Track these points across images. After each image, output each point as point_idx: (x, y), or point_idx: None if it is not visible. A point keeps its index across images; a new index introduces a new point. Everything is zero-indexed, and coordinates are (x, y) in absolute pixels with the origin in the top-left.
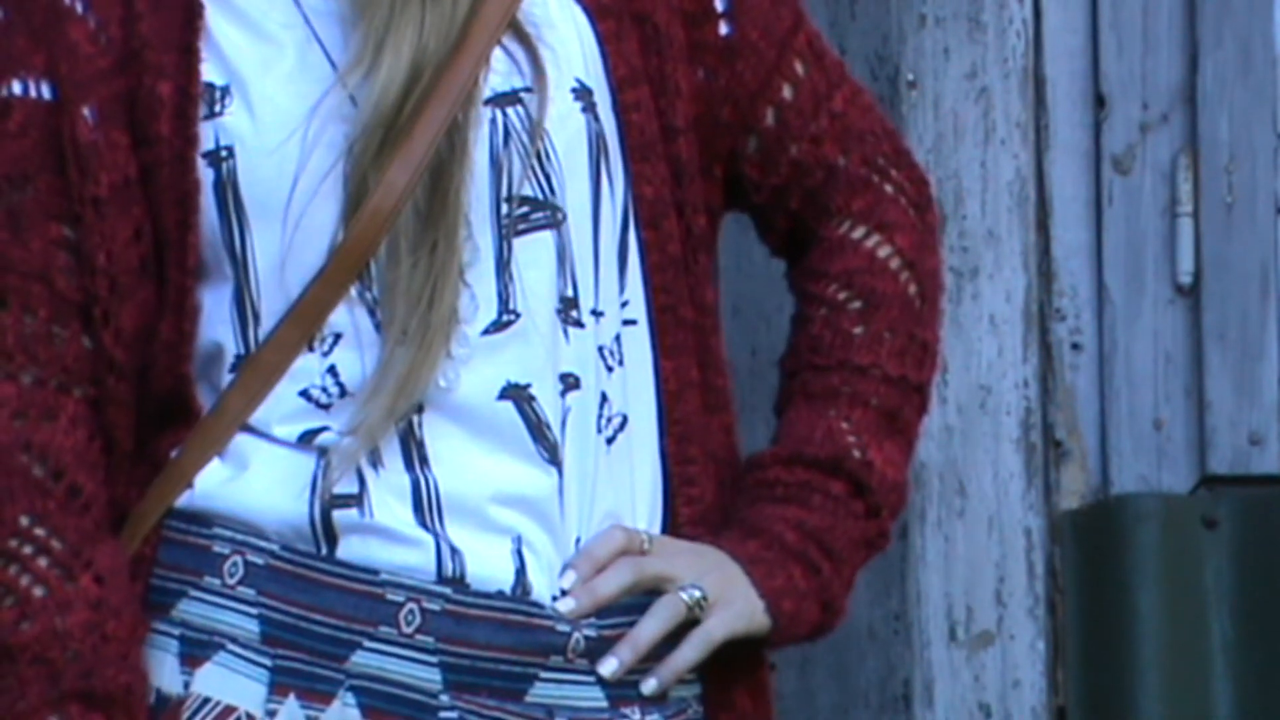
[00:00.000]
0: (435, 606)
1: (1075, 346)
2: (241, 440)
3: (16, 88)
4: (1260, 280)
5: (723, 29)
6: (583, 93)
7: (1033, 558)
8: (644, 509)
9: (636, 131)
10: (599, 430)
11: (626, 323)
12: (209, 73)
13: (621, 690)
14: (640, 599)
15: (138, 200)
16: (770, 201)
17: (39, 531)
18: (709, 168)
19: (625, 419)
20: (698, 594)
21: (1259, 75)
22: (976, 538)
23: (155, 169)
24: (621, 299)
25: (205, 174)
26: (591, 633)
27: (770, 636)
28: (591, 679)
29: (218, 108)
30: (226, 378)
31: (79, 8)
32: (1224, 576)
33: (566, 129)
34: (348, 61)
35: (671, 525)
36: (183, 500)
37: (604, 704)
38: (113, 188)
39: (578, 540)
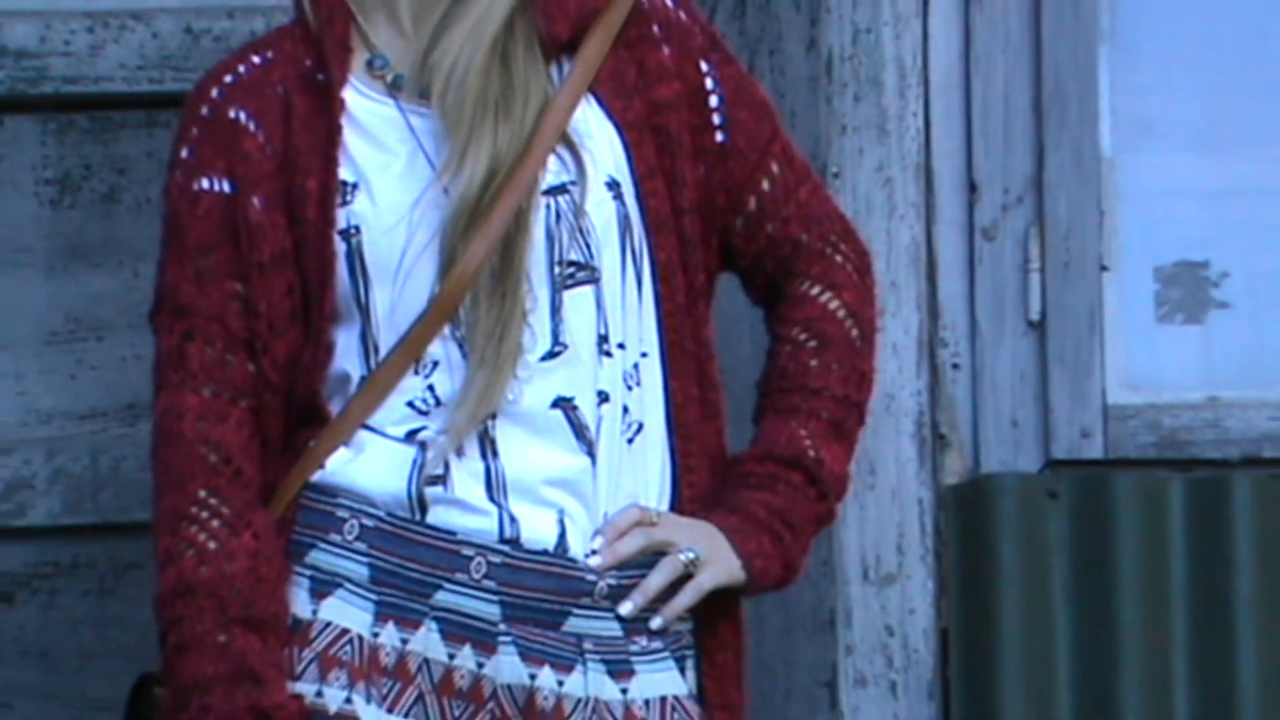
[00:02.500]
0: (497, 560)
1: (955, 366)
2: (362, 435)
3: (205, 184)
4: (1088, 319)
5: (719, 137)
6: (613, 185)
7: (924, 520)
8: (654, 492)
9: (654, 212)
10: (622, 433)
11: (644, 354)
12: (343, 173)
13: (634, 624)
14: (649, 559)
15: (291, 265)
16: (751, 265)
17: (212, 501)
18: (708, 239)
19: (641, 425)
20: (692, 555)
21: (1087, 169)
22: (883, 505)
23: (304, 242)
24: (640, 336)
25: (339, 246)
26: (613, 582)
27: (746, 587)
28: (611, 616)
29: (349, 198)
30: (353, 392)
31: (251, 126)
32: (1063, 533)
33: (601, 211)
34: (441, 165)
35: (677, 504)
36: (316, 476)
37: (620, 634)
38: (273, 255)
39: (605, 514)
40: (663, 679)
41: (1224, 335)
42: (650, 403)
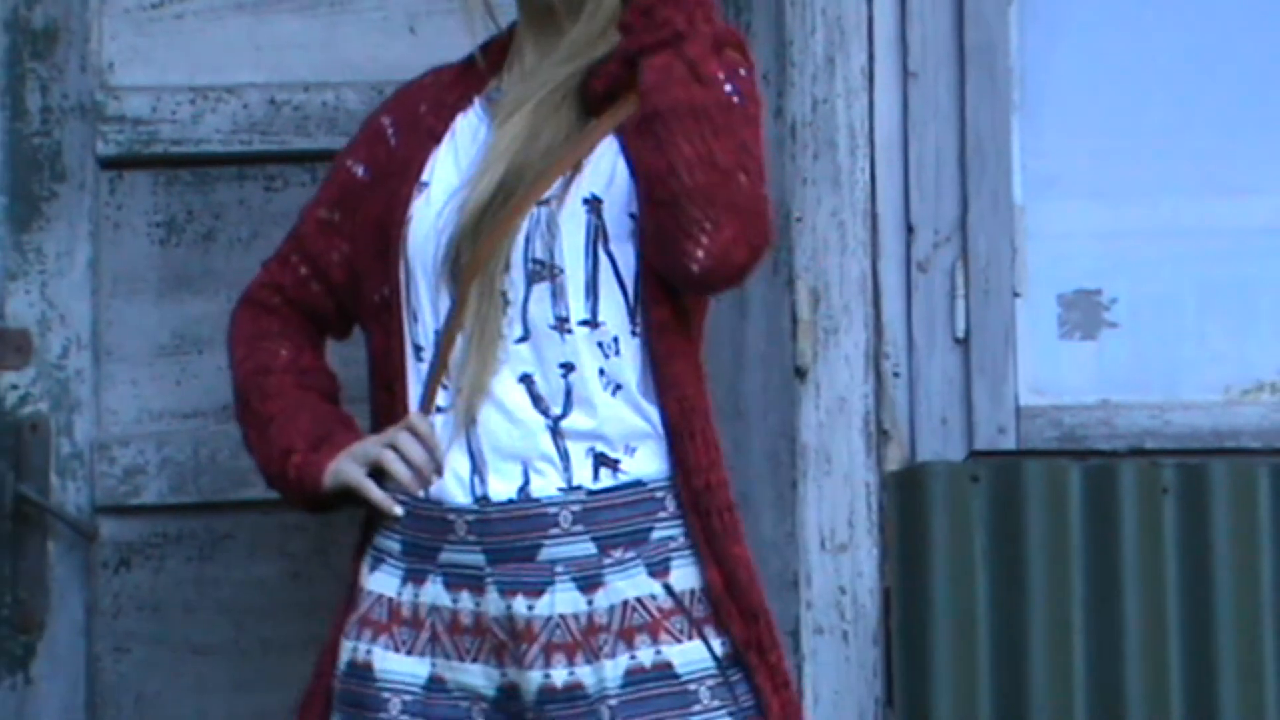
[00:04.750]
0: (472, 518)
1: (896, 374)
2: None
3: (349, 163)
4: (1003, 336)
5: None
6: (590, 200)
7: (870, 500)
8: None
9: (623, 227)
10: (604, 389)
11: (633, 334)
12: (424, 175)
13: (608, 540)
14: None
15: (374, 240)
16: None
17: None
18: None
19: (620, 385)
20: None
21: (1002, 214)
22: (837, 487)
23: (389, 227)
24: (619, 318)
25: (402, 232)
26: (576, 509)
27: None
28: (585, 538)
29: (418, 195)
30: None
31: (389, 132)
32: (983, 511)
33: (573, 221)
34: (465, 179)
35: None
36: None
37: (594, 552)
38: (363, 228)
39: (591, 450)
40: (626, 584)
41: (1113, 349)
42: (626, 367)
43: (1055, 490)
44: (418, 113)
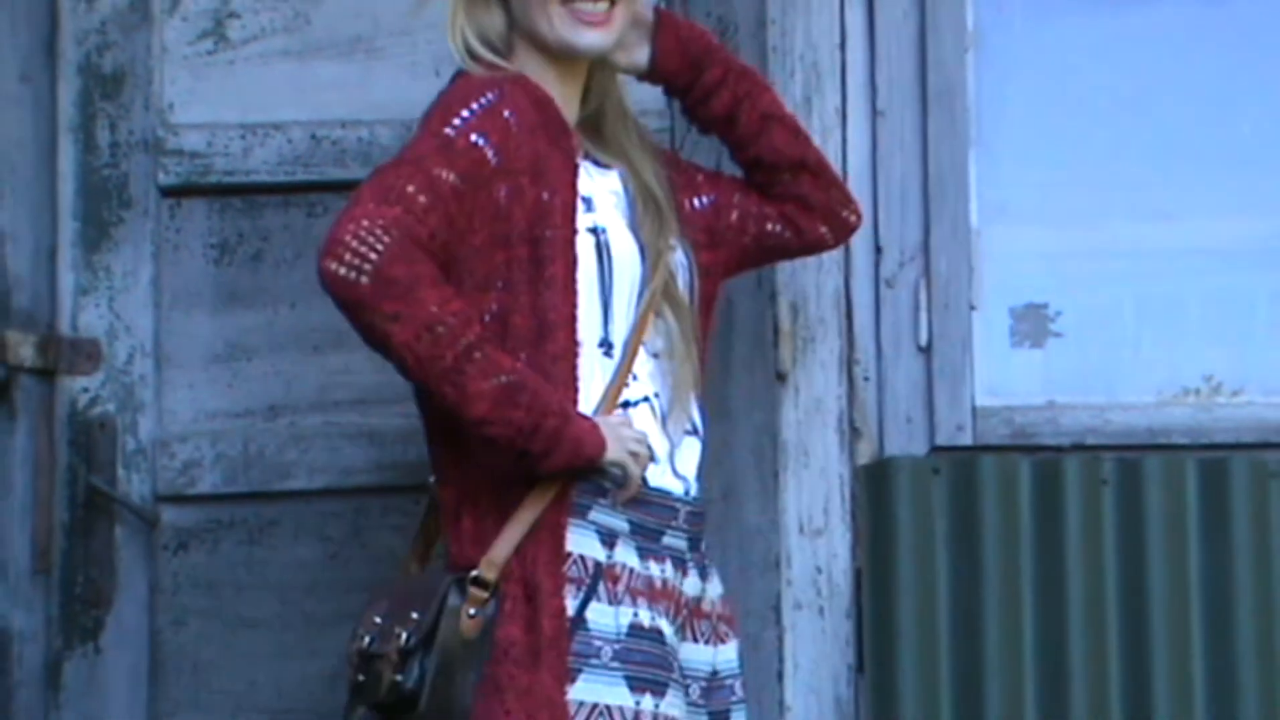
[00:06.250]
0: (688, 508)
1: (866, 379)
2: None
3: (481, 141)
4: (961, 345)
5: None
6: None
7: (843, 490)
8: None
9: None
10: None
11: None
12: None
13: (695, 539)
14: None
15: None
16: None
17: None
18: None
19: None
20: None
21: (961, 237)
22: (814, 479)
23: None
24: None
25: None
26: (692, 508)
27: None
28: (686, 534)
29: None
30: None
31: (512, 122)
32: (943, 500)
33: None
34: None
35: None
36: None
37: (700, 549)
38: (472, 219)
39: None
40: (718, 579)
41: (1059, 356)
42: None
43: (1007, 481)
44: (534, 122)
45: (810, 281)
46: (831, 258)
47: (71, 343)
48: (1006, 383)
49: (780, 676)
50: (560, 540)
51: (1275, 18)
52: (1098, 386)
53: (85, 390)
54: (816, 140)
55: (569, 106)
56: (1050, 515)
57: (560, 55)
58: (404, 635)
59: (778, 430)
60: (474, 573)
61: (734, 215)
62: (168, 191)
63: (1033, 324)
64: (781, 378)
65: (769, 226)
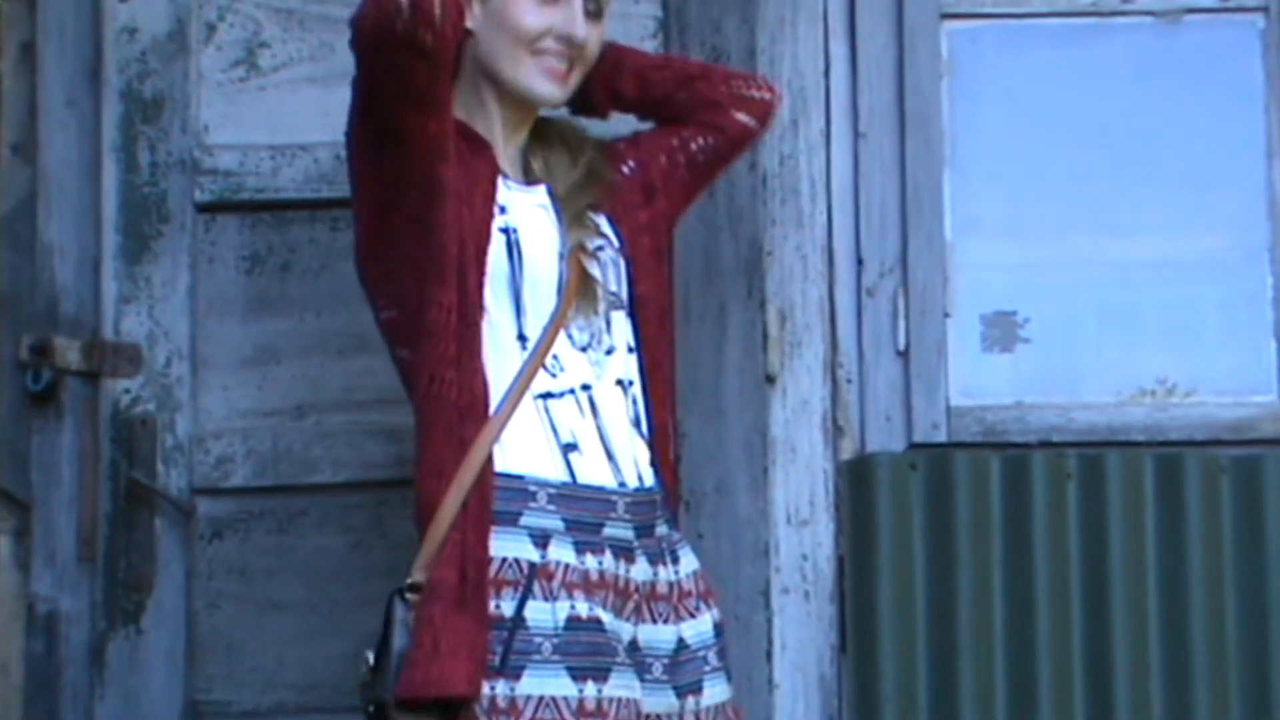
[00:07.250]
0: (629, 499)
1: (849, 381)
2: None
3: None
4: (936, 349)
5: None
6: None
7: (828, 484)
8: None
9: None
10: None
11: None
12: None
13: (672, 522)
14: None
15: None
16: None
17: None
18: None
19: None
20: None
21: (936, 249)
22: (800, 473)
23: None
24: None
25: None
26: (658, 493)
27: None
28: (663, 521)
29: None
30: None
31: (462, 145)
32: (920, 493)
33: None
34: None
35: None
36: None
37: (668, 531)
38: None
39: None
40: (689, 558)
41: (1026, 360)
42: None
43: (979, 476)
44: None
45: (797, 291)
46: (817, 269)
47: (114, 347)
48: (978, 384)
49: (769, 656)
50: (484, 536)
51: (1222, 50)
52: (1062, 388)
53: (127, 391)
54: (802, 159)
55: (505, 130)
56: (1018, 507)
57: (513, 97)
58: (370, 655)
59: (767, 428)
60: (408, 580)
61: (662, 159)
62: (203, 208)
63: (1002, 330)
64: (771, 380)
65: (693, 146)
